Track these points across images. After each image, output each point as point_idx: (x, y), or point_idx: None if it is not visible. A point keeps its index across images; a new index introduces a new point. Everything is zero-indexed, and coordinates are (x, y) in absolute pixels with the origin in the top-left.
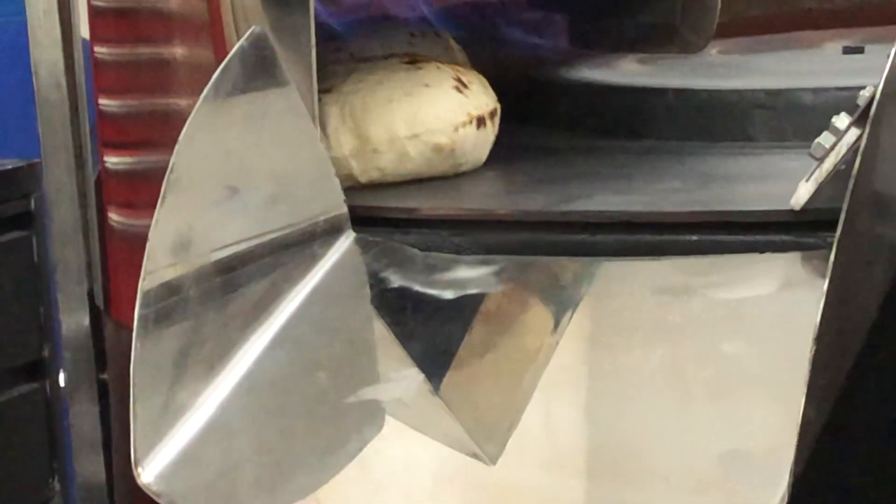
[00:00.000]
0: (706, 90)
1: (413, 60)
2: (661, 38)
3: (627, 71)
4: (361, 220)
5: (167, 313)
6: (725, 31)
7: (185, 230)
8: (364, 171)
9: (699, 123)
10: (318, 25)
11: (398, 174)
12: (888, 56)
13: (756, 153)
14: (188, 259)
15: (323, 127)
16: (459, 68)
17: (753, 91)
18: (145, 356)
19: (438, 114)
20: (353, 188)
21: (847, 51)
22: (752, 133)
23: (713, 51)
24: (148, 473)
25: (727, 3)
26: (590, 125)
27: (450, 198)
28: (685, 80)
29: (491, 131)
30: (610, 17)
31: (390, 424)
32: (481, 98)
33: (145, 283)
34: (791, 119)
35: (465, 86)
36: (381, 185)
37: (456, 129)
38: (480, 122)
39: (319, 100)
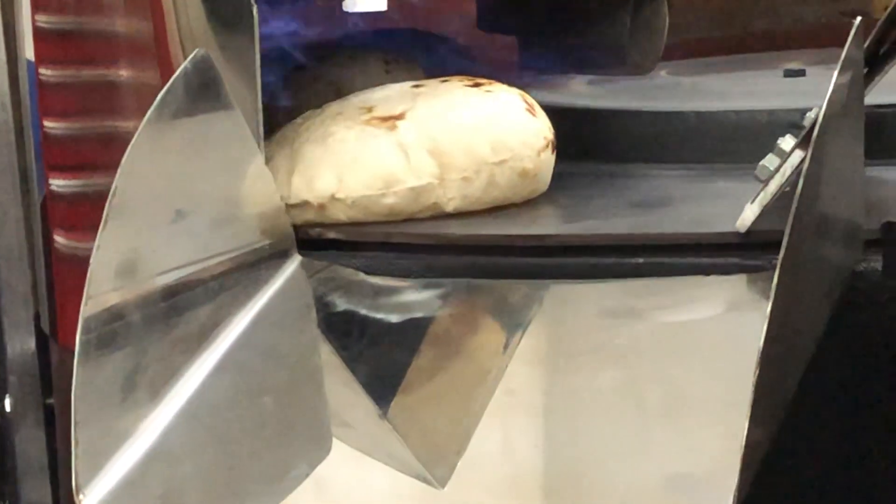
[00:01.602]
0: (734, 111)
1: (476, 84)
2: (610, 59)
3: (583, 93)
4: (307, 243)
5: (110, 339)
6: (673, 52)
7: (128, 255)
8: (450, 200)
9: (726, 145)
10: (288, 53)
11: (483, 202)
12: (831, 78)
13: None
14: (131, 284)
15: (405, 155)
16: (521, 91)
17: (788, 111)
18: (87, 382)
19: (524, 138)
20: (450, 217)
21: (788, 74)
22: None
23: (662, 72)
24: (90, 500)
25: (674, 26)
26: (590, 151)
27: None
28: (672, 103)
29: (554, 156)
30: (558, 39)
31: (343, 449)
32: (545, 122)
33: (87, 308)
34: None
35: (532, 108)
36: (471, 213)
37: (538, 154)
38: (554, 146)
39: (395, 127)
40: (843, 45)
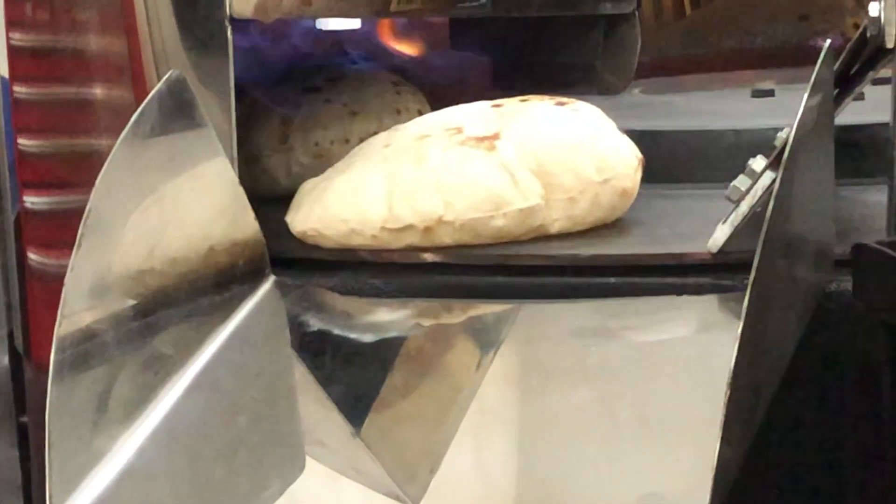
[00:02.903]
0: (773, 128)
1: (559, 102)
2: (582, 79)
3: None
4: (282, 262)
5: (84, 358)
6: (645, 71)
7: (102, 274)
8: (555, 221)
9: None
10: (293, 73)
11: (585, 223)
12: (799, 98)
13: None
14: (105, 304)
15: (511, 176)
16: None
17: None
18: (61, 402)
19: (622, 157)
20: (553, 238)
21: (756, 94)
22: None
23: (635, 91)
24: None
25: (646, 45)
26: None
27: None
28: (649, 122)
29: None
30: (531, 59)
31: (317, 467)
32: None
33: (61, 328)
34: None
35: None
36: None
37: (635, 172)
38: (644, 165)
39: (493, 147)
40: (811, 65)
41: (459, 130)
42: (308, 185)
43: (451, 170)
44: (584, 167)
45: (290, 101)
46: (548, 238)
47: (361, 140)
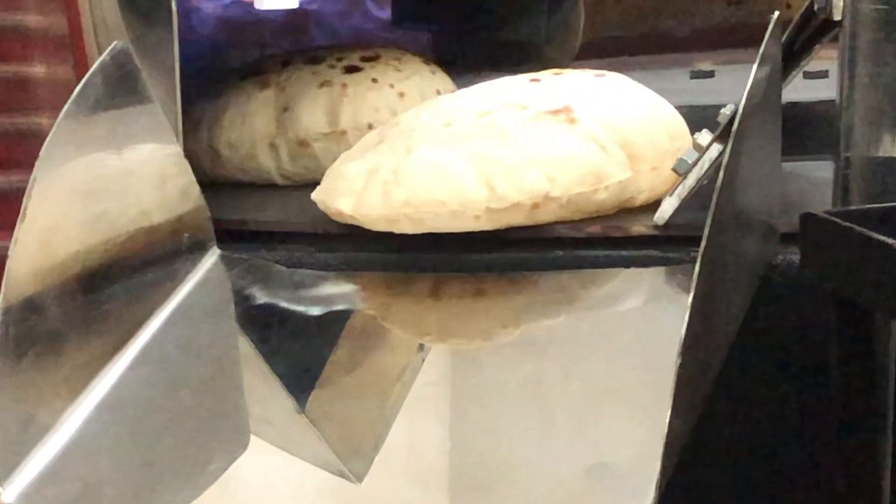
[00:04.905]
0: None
1: (599, 74)
2: (526, 56)
3: None
4: (228, 234)
5: (28, 333)
6: (585, 51)
7: (47, 248)
8: (641, 193)
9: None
10: (318, 51)
11: (660, 193)
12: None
13: None
14: (50, 278)
15: (602, 149)
16: None
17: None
18: (5, 377)
19: (684, 125)
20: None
21: (695, 75)
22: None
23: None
24: (9, 493)
25: (587, 24)
26: None
27: None
28: None
29: None
30: (475, 36)
31: (255, 442)
32: None
33: (5, 301)
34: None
35: None
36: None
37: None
38: None
39: (575, 120)
40: (749, 46)
41: (525, 106)
42: (354, 168)
43: (544, 145)
44: (659, 136)
45: (335, 82)
46: (637, 211)
47: None
